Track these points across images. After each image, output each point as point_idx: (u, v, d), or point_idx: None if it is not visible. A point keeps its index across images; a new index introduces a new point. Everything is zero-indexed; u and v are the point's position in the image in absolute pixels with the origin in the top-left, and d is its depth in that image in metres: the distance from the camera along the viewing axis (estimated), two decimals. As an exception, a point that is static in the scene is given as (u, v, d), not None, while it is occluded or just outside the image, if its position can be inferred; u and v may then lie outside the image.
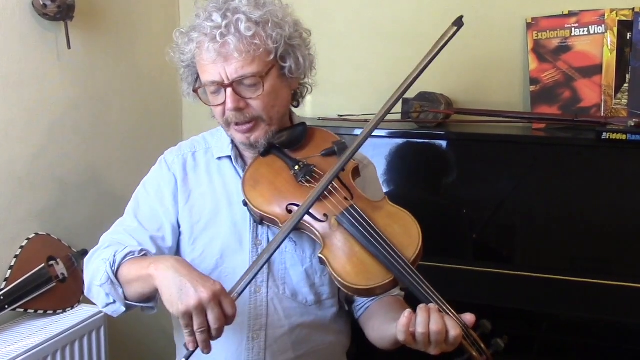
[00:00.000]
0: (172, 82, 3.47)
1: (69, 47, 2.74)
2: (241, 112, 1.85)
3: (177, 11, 3.50)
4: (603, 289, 2.52)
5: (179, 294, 1.59)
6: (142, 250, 1.87)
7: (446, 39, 1.82)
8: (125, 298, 1.81)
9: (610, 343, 2.38)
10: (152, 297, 1.81)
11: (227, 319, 1.61)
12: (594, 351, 2.43)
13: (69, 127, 2.86)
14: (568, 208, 2.67)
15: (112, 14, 3.07)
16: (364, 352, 2.19)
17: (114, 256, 1.81)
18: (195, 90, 1.94)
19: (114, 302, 1.82)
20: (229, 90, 1.82)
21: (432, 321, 1.62)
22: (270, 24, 1.83)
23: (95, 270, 1.86)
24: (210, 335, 1.60)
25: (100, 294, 1.84)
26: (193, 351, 1.62)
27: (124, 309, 1.83)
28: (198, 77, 1.93)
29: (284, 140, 1.95)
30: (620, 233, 2.62)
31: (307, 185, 1.87)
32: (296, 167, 1.90)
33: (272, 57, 1.85)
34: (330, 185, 1.82)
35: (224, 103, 1.85)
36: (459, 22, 1.85)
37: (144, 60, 3.30)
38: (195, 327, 1.58)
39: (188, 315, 1.58)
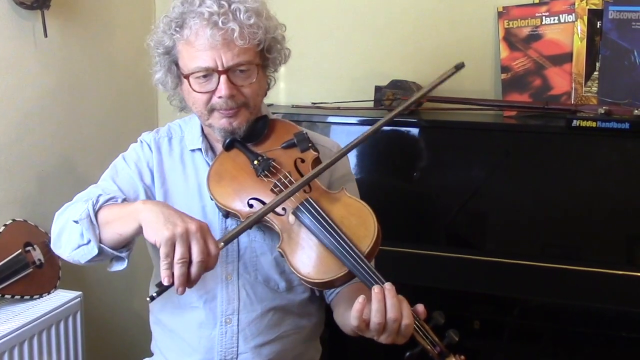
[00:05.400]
0: (148, 71, 3.45)
1: (46, 36, 2.75)
2: (232, 99, 1.87)
3: (153, 0, 3.51)
4: (574, 274, 2.53)
5: (165, 221, 1.57)
6: (125, 198, 1.87)
7: (443, 78, 1.85)
8: (100, 241, 1.77)
9: (580, 328, 2.42)
10: (128, 243, 1.79)
11: (209, 259, 1.58)
12: (565, 336, 2.48)
13: (45, 115, 2.87)
14: (539, 194, 2.68)
15: (89, 3, 3.08)
16: (336, 336, 2.21)
17: (98, 197, 1.80)
18: (186, 77, 1.90)
19: (87, 243, 1.77)
20: (224, 77, 1.83)
21: (389, 307, 1.62)
22: (264, 16, 1.87)
23: (71, 214, 1.82)
24: (189, 274, 1.56)
25: (73, 234, 1.80)
26: (168, 287, 1.55)
27: (96, 251, 1.76)
28: (176, 65, 1.94)
29: (245, 134, 1.96)
30: (590, 220, 2.64)
31: (266, 179, 1.89)
32: (255, 162, 1.92)
33: (260, 47, 1.88)
34: (289, 179, 1.86)
35: (213, 90, 1.86)
36: (460, 66, 1.86)
37: (120, 49, 3.30)
38: (177, 257, 1.54)
39: (171, 243, 1.54)
